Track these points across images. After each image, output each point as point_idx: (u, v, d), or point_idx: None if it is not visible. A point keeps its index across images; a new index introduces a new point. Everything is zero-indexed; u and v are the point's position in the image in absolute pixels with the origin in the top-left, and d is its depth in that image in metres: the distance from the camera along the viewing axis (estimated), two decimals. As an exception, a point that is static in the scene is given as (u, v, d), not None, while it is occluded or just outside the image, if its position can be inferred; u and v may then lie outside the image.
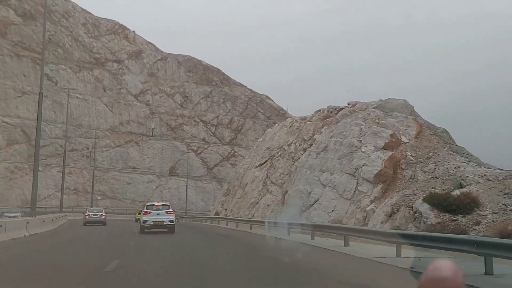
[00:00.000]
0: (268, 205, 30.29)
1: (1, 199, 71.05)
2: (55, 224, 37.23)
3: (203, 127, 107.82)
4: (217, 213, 50.81)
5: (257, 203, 32.22)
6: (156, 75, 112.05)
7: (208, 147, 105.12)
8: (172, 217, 27.37)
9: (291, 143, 32.43)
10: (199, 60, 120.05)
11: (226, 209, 45.51)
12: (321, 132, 30.40)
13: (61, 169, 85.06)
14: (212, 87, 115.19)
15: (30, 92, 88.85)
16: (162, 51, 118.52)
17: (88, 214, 43.60)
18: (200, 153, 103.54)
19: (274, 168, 32.47)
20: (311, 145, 30.58)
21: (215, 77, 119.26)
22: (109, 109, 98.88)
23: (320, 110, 35.92)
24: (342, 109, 33.59)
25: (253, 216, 31.15)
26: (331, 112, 34.29)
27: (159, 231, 26.38)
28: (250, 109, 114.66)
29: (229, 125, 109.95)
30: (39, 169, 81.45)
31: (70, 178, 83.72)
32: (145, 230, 27.12)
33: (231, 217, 35.94)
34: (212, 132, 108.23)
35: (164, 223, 26.66)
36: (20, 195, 74.36)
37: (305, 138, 31.81)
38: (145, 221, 27.00)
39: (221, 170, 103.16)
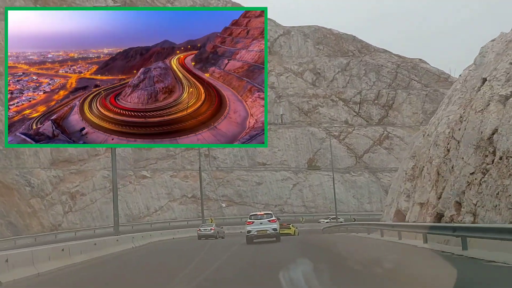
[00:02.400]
0: None
1: (100, 217, 55.58)
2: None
3: (344, 106, 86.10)
4: (399, 213, 28.88)
5: None
6: (279, 53, 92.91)
7: (353, 130, 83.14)
8: (275, 225, 27.59)
9: None
10: (329, 29, 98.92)
11: (423, 204, 23.63)
12: None
13: (174, 174, 68.74)
14: (348, 58, 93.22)
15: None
16: (283, 26, 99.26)
17: (200, 229, 44.44)
18: (343, 139, 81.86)
19: None
20: None
21: (351, 46, 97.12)
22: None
23: None
24: None
25: None
26: None
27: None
28: (400, 78, 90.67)
29: (376, 101, 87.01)
30: (147, 175, 65.56)
31: (186, 184, 66.89)
32: (253, 240, 27.20)
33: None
34: (355, 111, 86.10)
35: (268, 232, 27.14)
36: (123, 209, 58.59)
37: None
38: (249, 231, 27.26)
39: (373, 157, 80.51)
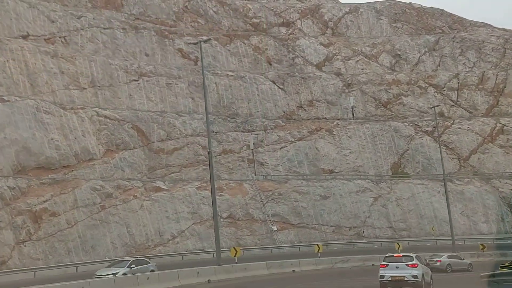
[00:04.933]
0: None
1: (80, 247, 36.85)
2: None
3: (436, 94, 64.51)
4: None
5: None
6: (346, 34, 72.86)
7: (452, 124, 61.30)
8: (416, 271, 22.09)
9: None
10: (408, 3, 78.33)
11: None
12: None
13: (203, 185, 49.27)
14: (437, 36, 71.91)
15: (153, 74, 56.19)
16: (348, 4, 79.62)
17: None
18: (440, 136, 59.90)
19: None
20: None
21: (439, 21, 75.89)
22: (279, 87, 61.87)
23: None
24: None
25: None
26: None
27: None
28: (510, 55, 68.05)
29: (480, 86, 64.88)
30: (163, 186, 46.30)
31: (219, 198, 47.21)
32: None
33: None
34: (452, 100, 64.28)
35: (406, 278, 22.17)
36: (121, 235, 39.71)
37: None
38: (382, 276, 22.66)
39: (484, 158, 58.15)
